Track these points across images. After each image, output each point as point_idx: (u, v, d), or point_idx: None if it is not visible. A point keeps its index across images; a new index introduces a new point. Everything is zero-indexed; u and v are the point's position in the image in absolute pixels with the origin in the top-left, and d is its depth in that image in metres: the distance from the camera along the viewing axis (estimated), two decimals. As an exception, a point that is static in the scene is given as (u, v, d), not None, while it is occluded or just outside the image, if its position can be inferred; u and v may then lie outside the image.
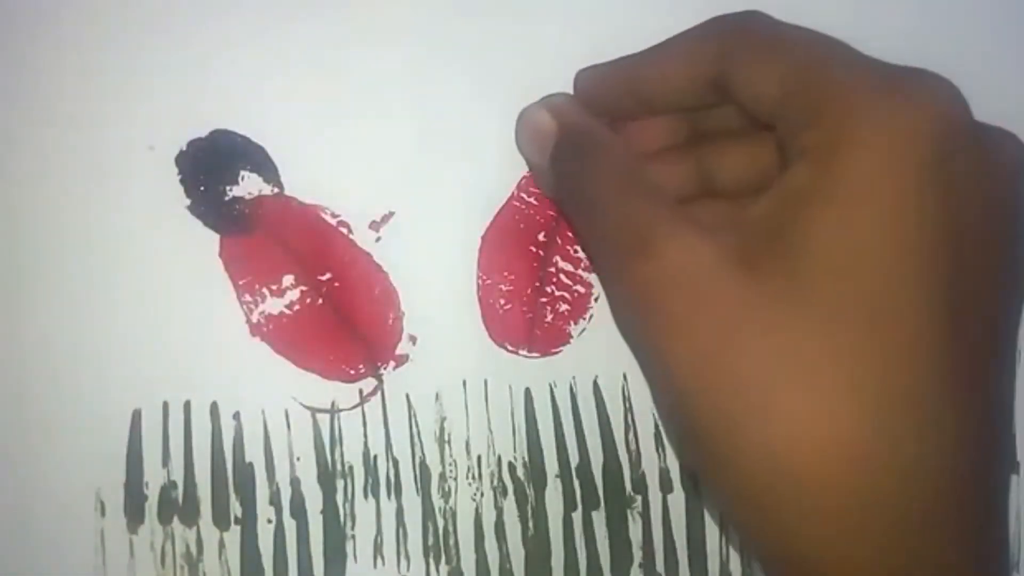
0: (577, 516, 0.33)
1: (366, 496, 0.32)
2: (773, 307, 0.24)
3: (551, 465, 0.33)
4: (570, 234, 0.33)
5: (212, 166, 0.32)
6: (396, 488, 0.32)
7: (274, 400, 0.32)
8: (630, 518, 0.33)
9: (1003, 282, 0.25)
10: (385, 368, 0.32)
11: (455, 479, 0.33)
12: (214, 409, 0.32)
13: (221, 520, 0.32)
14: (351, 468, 0.32)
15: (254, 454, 0.32)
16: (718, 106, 0.29)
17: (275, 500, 0.32)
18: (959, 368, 0.23)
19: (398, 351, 0.32)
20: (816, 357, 0.23)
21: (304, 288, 0.32)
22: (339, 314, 0.32)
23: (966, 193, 0.24)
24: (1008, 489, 0.26)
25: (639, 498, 0.33)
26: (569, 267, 0.33)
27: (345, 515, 0.32)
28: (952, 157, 0.24)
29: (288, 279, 0.32)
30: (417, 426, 0.32)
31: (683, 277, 0.25)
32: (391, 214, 0.32)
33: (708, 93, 0.28)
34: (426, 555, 0.32)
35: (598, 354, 0.33)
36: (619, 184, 0.27)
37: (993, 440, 0.25)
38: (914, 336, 0.23)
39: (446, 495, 0.32)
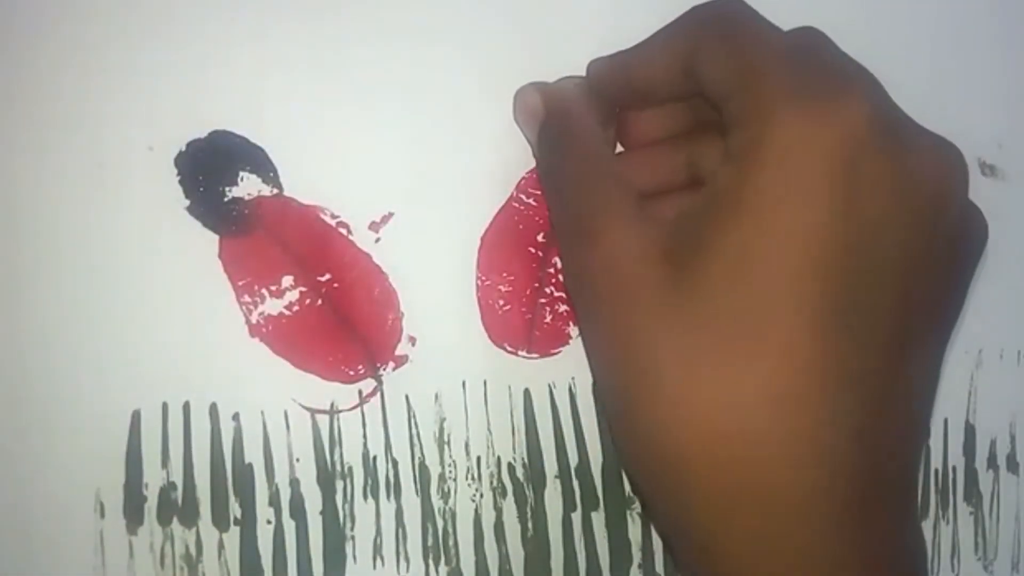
0: (576, 517, 0.33)
1: (365, 497, 0.32)
2: (680, 300, 0.25)
3: (550, 466, 0.33)
4: (569, 235, 0.33)
5: (211, 167, 0.31)
6: (395, 489, 0.32)
7: (273, 401, 0.32)
8: (629, 519, 0.33)
9: (918, 287, 0.25)
10: (384, 369, 0.32)
11: (454, 480, 0.33)
12: (213, 410, 0.31)
13: (220, 521, 0.31)
14: (350, 469, 0.32)
15: (253, 455, 0.32)
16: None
17: (274, 501, 0.32)
18: (844, 372, 0.24)
19: (397, 352, 0.32)
20: (705, 351, 0.25)
21: (303, 289, 0.32)
22: (338, 315, 0.32)
23: (874, 204, 0.24)
24: (914, 489, 0.28)
25: (638, 499, 0.33)
26: (568, 268, 0.33)
27: (344, 516, 0.32)
28: (857, 167, 0.24)
29: (287, 280, 0.32)
30: (416, 427, 0.32)
31: (612, 264, 0.26)
32: (390, 215, 0.32)
33: (686, 84, 0.28)
34: (425, 556, 0.32)
35: (597, 355, 0.33)
36: (581, 172, 0.28)
37: (884, 438, 0.25)
38: (792, 341, 0.24)
39: (445, 496, 0.32)
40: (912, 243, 0.25)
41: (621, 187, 0.28)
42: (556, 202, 0.30)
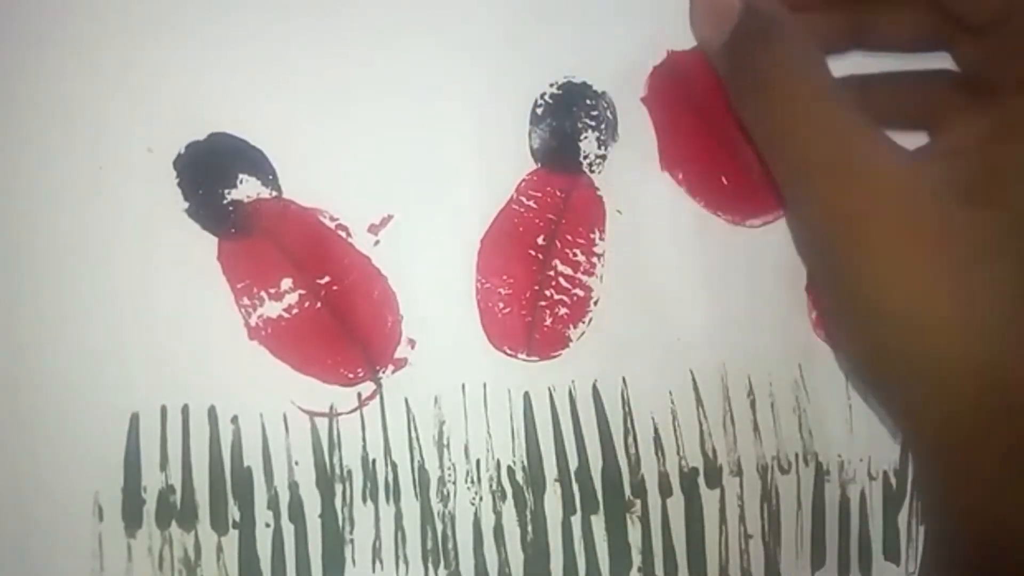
0: (576, 520, 0.33)
1: (364, 500, 0.32)
2: (988, 238, 0.24)
3: (550, 469, 0.33)
4: (569, 237, 0.33)
5: (210, 169, 0.31)
6: (395, 492, 0.32)
7: (272, 404, 0.32)
8: (629, 522, 0.33)
9: None
10: (384, 372, 0.32)
11: (454, 483, 0.32)
12: (212, 413, 0.31)
13: (219, 524, 0.31)
14: (350, 472, 0.32)
15: (252, 458, 0.32)
16: None
17: (273, 504, 0.32)
18: None
19: (397, 355, 0.32)
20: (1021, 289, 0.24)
21: (302, 291, 0.32)
22: (337, 317, 0.32)
23: None
24: None
25: (638, 502, 0.33)
26: (568, 270, 0.33)
27: (343, 519, 0.32)
28: None
29: (286, 282, 0.32)
30: (416, 430, 0.32)
31: (896, 206, 0.24)
32: (390, 217, 0.32)
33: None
34: (425, 559, 0.32)
35: (597, 358, 0.33)
36: (810, 87, 0.26)
37: None
38: None
39: (445, 499, 0.32)
40: None
41: (858, 110, 0.25)
42: (771, 122, 0.26)
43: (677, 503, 0.33)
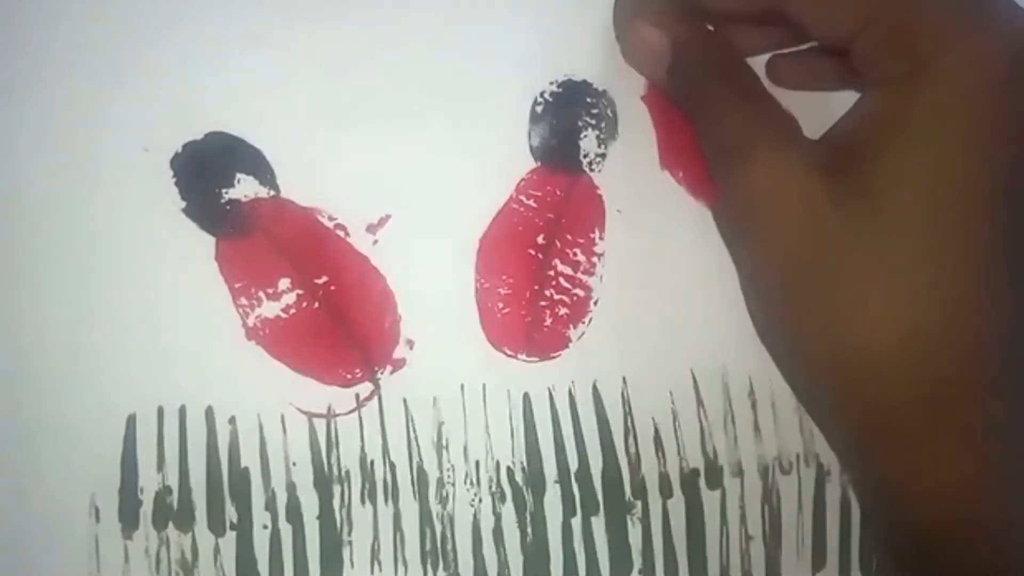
0: (576, 521, 0.33)
1: (363, 501, 0.32)
2: (851, 215, 0.26)
3: (550, 470, 0.33)
4: (569, 237, 0.33)
5: (208, 169, 0.31)
6: (393, 493, 0.32)
7: (270, 404, 0.32)
8: (629, 523, 0.33)
9: None
10: (382, 372, 0.32)
11: (453, 484, 0.32)
12: (209, 413, 0.31)
13: (216, 525, 0.31)
14: (348, 473, 0.32)
15: (250, 459, 0.31)
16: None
17: (271, 505, 0.32)
18: (1012, 274, 0.26)
19: (395, 355, 0.32)
20: (881, 254, 0.26)
21: (300, 291, 0.32)
22: (335, 318, 0.32)
23: None
24: None
25: (638, 503, 0.33)
26: (568, 270, 0.33)
27: (342, 520, 0.32)
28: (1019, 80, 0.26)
29: (284, 282, 0.32)
30: (414, 431, 0.32)
31: (776, 182, 0.27)
32: (388, 217, 0.32)
33: (765, 16, 0.29)
34: (423, 561, 0.32)
35: (597, 358, 0.33)
36: (733, 98, 0.29)
37: None
38: (969, 244, 0.26)
39: (444, 500, 0.32)
40: None
41: (775, 108, 0.29)
42: (707, 127, 0.30)
43: (678, 504, 0.33)
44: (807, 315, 0.28)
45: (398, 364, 0.32)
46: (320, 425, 0.32)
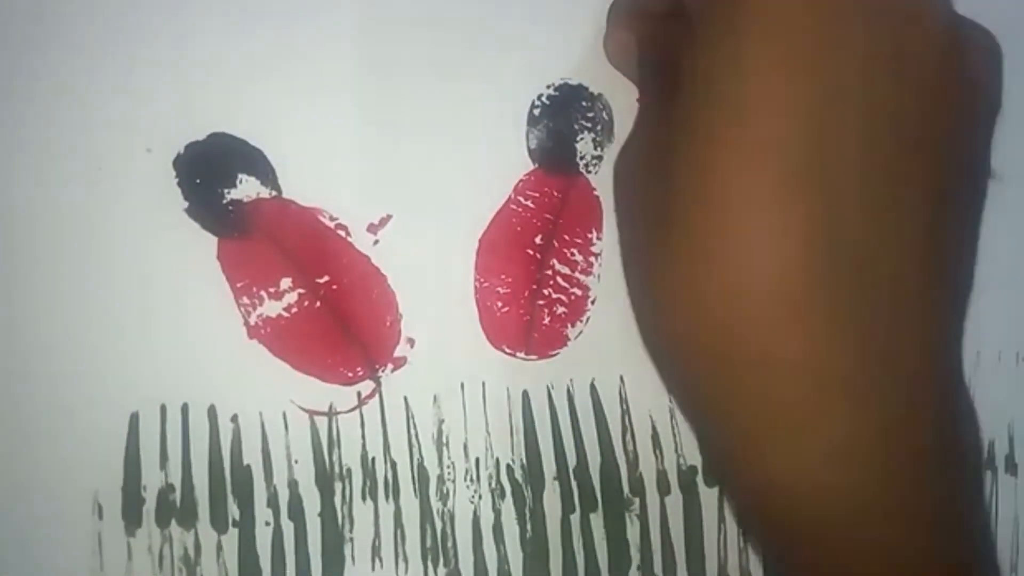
0: (575, 518, 0.33)
1: (364, 498, 0.32)
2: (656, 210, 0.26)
3: (549, 467, 0.33)
4: (567, 237, 0.33)
5: (210, 169, 0.32)
6: (394, 490, 0.32)
7: (272, 403, 0.32)
8: (628, 520, 0.33)
9: (902, 130, 0.25)
10: (383, 371, 0.32)
11: (453, 481, 0.32)
12: (212, 412, 0.31)
13: (219, 523, 0.31)
14: (349, 470, 0.32)
15: (252, 457, 0.32)
16: None
17: (273, 503, 0.32)
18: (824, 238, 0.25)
19: (396, 354, 0.32)
20: (676, 246, 0.26)
21: (302, 291, 0.32)
22: (337, 317, 0.32)
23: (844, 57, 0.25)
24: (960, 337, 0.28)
25: (637, 500, 0.33)
26: (566, 270, 0.33)
27: (343, 517, 0.32)
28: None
29: (286, 282, 0.32)
30: (415, 428, 0.32)
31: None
32: (389, 217, 0.32)
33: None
34: (424, 557, 0.32)
35: (595, 356, 0.33)
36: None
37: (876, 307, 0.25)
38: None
39: (444, 497, 0.32)
40: (884, 77, 0.25)
41: None
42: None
43: (676, 501, 0.33)
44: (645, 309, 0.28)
45: (399, 362, 0.32)
46: (322, 423, 0.32)
